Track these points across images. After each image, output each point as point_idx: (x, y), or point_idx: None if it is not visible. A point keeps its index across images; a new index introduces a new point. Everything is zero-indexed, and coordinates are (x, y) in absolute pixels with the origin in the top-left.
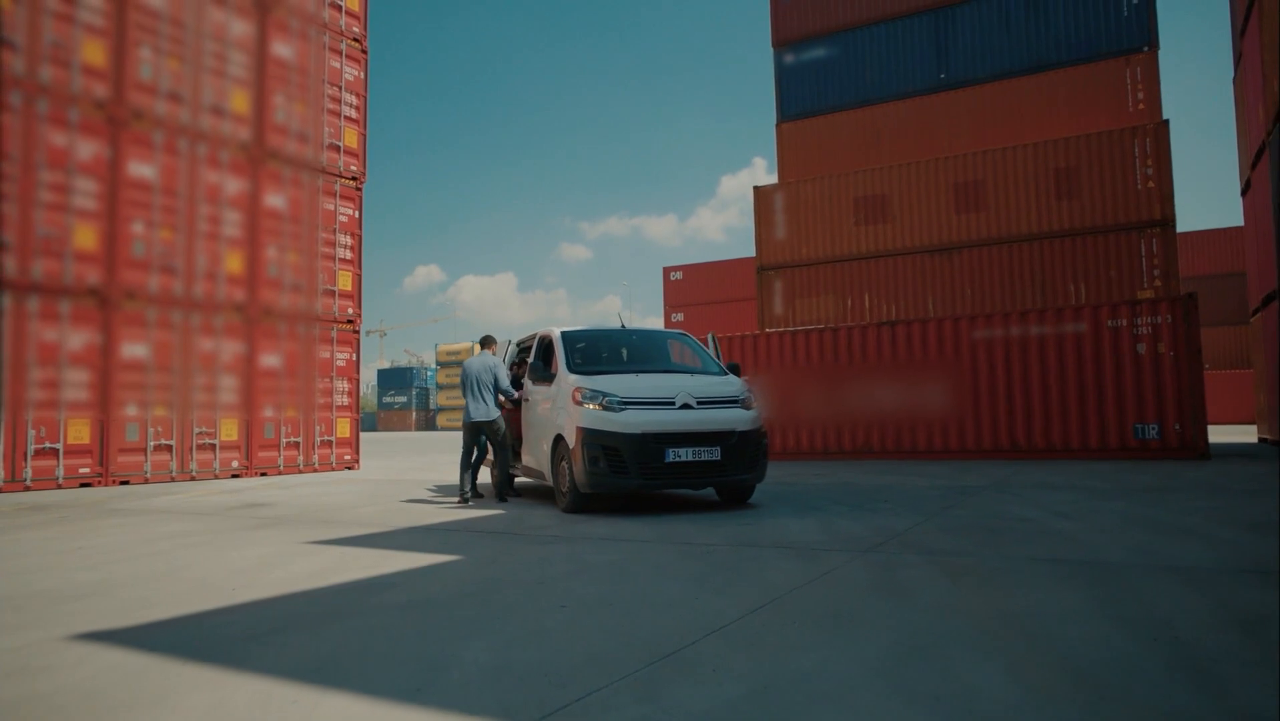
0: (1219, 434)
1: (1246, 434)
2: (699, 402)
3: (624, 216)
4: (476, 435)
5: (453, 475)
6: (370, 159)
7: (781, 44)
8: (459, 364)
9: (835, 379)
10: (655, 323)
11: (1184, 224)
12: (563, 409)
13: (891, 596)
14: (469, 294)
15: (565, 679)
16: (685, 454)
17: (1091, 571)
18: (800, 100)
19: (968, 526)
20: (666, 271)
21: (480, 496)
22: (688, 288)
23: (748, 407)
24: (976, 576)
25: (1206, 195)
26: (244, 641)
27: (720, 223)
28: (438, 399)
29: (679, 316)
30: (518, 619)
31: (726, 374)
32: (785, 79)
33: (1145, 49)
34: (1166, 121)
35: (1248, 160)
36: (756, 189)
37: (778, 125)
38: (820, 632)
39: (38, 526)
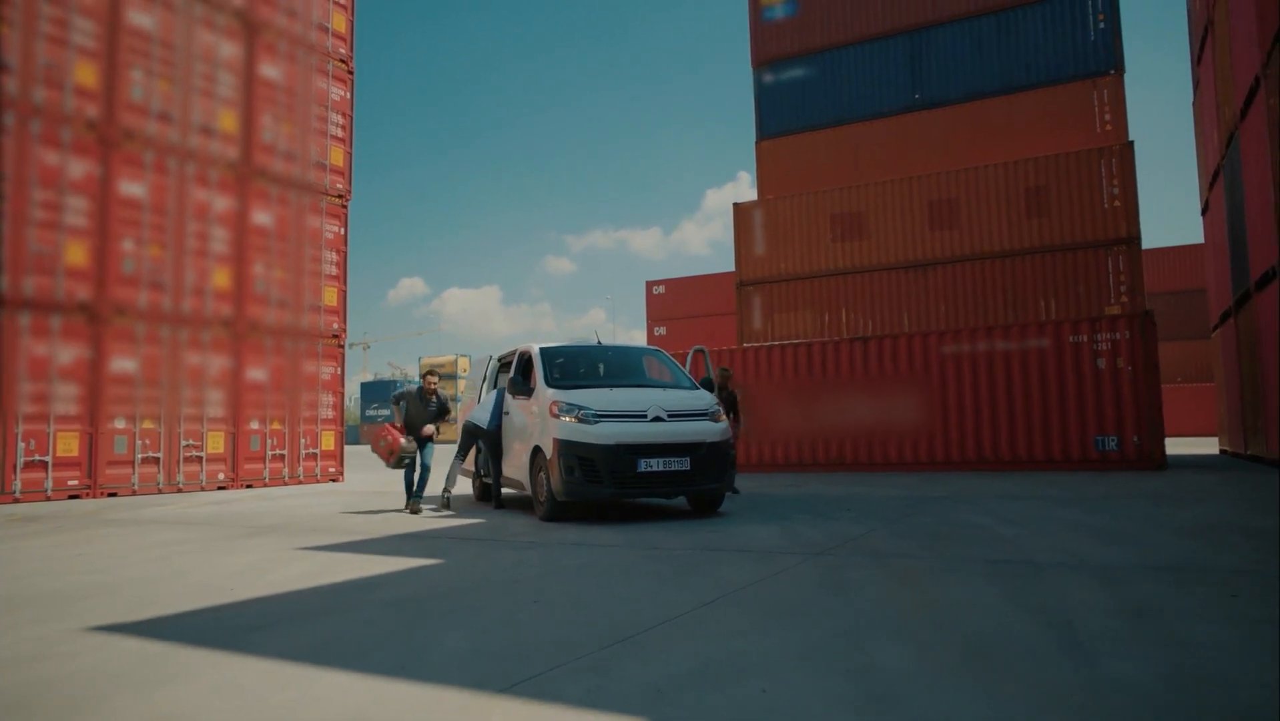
0: (1182, 446)
1: (1208, 445)
2: (669, 415)
3: (609, 229)
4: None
5: (434, 488)
6: (355, 172)
7: (761, 64)
8: (444, 377)
9: (810, 393)
10: (639, 335)
11: (1151, 240)
12: (541, 421)
13: (833, 592)
14: (454, 306)
15: (531, 658)
16: (656, 464)
17: (1017, 570)
18: (779, 119)
19: (918, 532)
20: (649, 285)
21: (451, 511)
22: (670, 301)
23: (716, 420)
24: (913, 575)
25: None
26: (246, 631)
27: (705, 236)
28: None
29: (661, 330)
30: (493, 612)
31: (697, 388)
32: (764, 98)
33: (1111, 72)
34: (1131, 143)
35: (1206, 181)
36: (736, 205)
37: (757, 143)
38: (762, 621)
39: (35, 536)
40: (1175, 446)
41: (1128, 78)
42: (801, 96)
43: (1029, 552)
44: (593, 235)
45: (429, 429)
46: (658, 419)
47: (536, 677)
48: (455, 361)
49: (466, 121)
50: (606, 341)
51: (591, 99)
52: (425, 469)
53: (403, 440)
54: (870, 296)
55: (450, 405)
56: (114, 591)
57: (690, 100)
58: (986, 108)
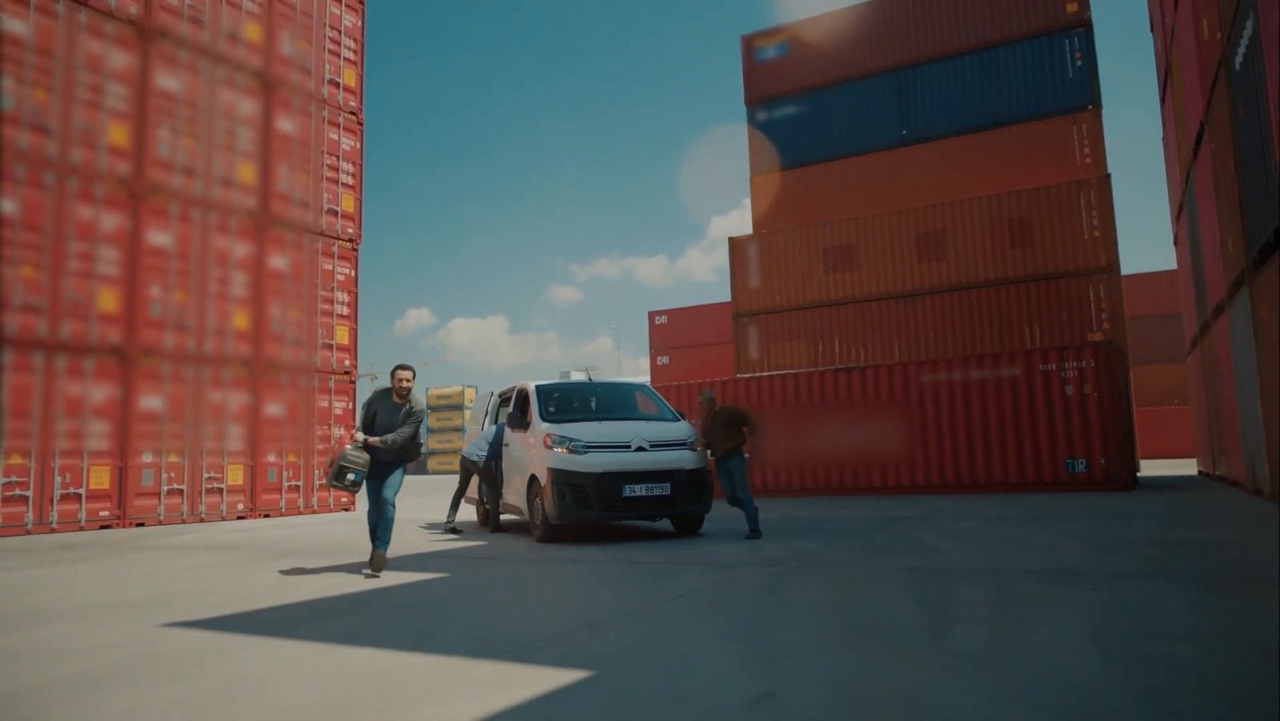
0: (1168, 467)
1: (1188, 467)
2: (652, 445)
3: (614, 258)
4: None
5: (439, 516)
6: (365, 165)
7: (754, 102)
8: (452, 407)
9: (798, 421)
10: (644, 364)
11: (1141, 265)
12: (536, 452)
13: (769, 593)
14: (460, 337)
15: (516, 639)
16: (640, 489)
17: (931, 575)
18: (772, 154)
19: (867, 548)
20: (651, 316)
21: (458, 532)
22: (672, 331)
23: (694, 449)
24: (841, 580)
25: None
26: (287, 624)
27: (710, 263)
28: (429, 443)
29: (664, 360)
30: (489, 610)
31: (679, 419)
32: (757, 135)
33: (1089, 108)
34: (1108, 176)
35: (1174, 214)
36: (731, 239)
37: (752, 178)
38: (701, 614)
39: (83, 561)
40: (1161, 468)
41: (1107, 110)
42: (794, 133)
43: (950, 561)
44: (599, 264)
45: (381, 440)
46: (641, 448)
47: (518, 650)
48: (462, 392)
49: (471, 152)
50: (611, 368)
51: (596, 128)
52: (386, 505)
53: (348, 445)
54: (862, 326)
55: (424, 414)
56: (170, 600)
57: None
58: (971, 143)
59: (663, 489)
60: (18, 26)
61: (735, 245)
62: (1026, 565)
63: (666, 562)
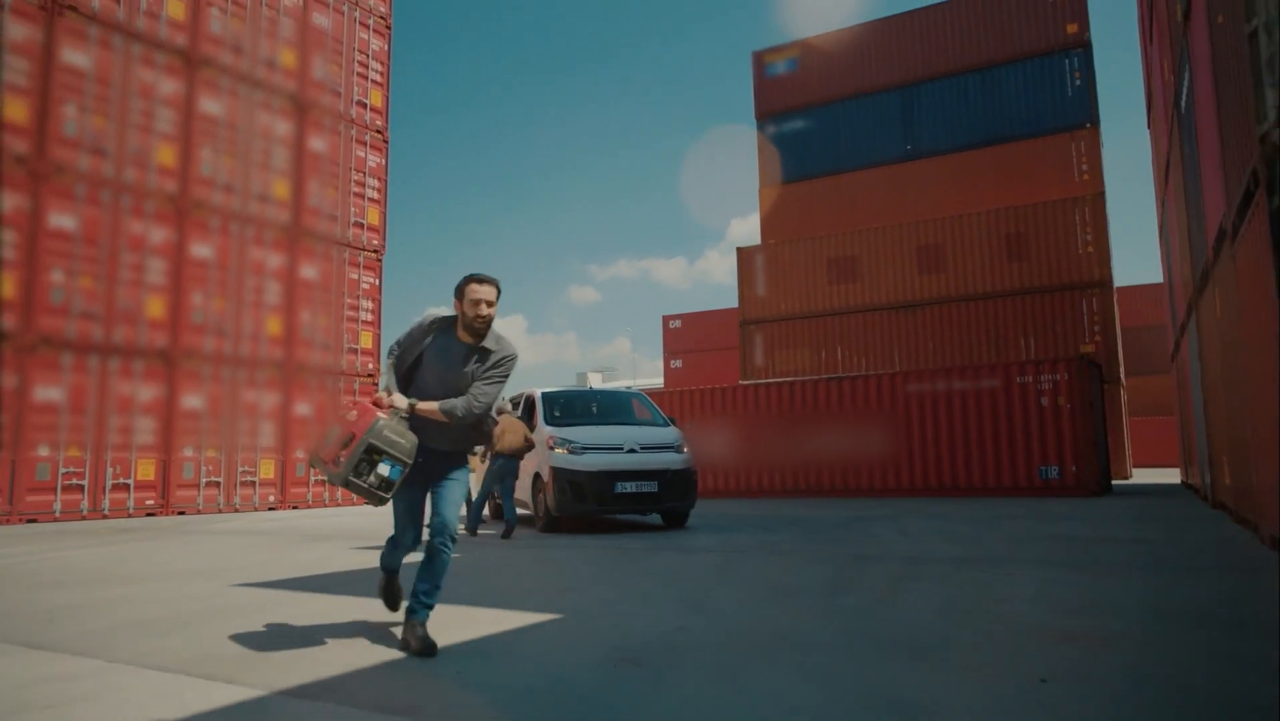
0: (1151, 475)
1: (1174, 475)
2: (642, 448)
3: (633, 259)
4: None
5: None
6: (390, 180)
7: (763, 116)
8: None
9: (793, 427)
10: (657, 366)
11: (1132, 277)
12: (540, 452)
13: (720, 569)
14: None
15: (509, 596)
16: (630, 486)
17: (861, 560)
18: (780, 167)
19: (822, 539)
20: (666, 320)
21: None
22: (686, 335)
23: (680, 451)
24: (785, 562)
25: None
26: (330, 586)
27: (729, 266)
28: None
29: (678, 363)
30: (491, 578)
31: (669, 425)
32: (766, 148)
33: (1088, 125)
34: (1102, 193)
35: (1158, 233)
36: (740, 250)
37: (760, 189)
38: (659, 583)
39: (140, 541)
40: (1150, 476)
41: (1109, 124)
42: (801, 146)
43: (886, 550)
44: (617, 264)
45: (442, 409)
46: (632, 450)
47: (510, 602)
48: None
49: (493, 152)
50: (628, 370)
51: (616, 129)
52: (440, 534)
53: (380, 416)
54: (864, 335)
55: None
56: (231, 570)
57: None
58: (973, 158)
59: (651, 486)
60: (80, 59)
61: (743, 255)
62: (946, 554)
63: (646, 549)
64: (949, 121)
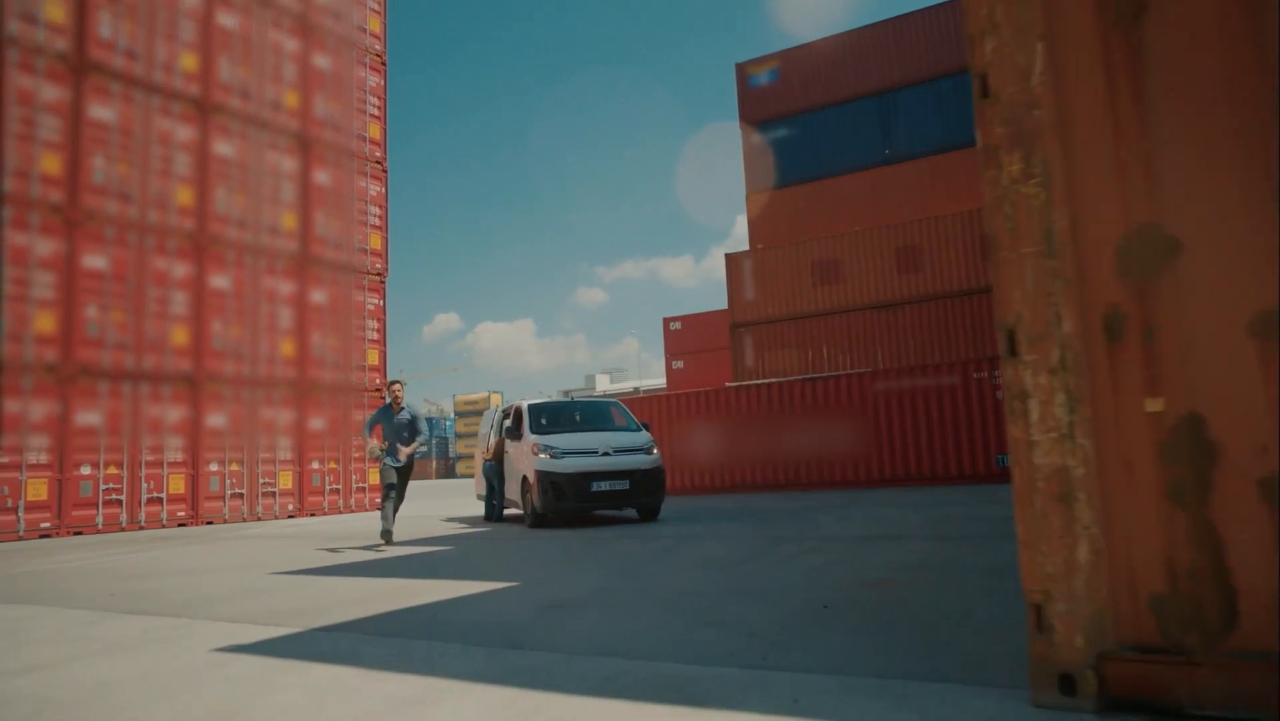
0: None
1: None
2: (615, 451)
3: (640, 259)
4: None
5: (464, 511)
6: (389, 207)
7: (748, 124)
8: (477, 413)
9: (773, 425)
10: (659, 366)
11: None
12: (527, 457)
13: (664, 551)
14: (487, 341)
15: (486, 573)
16: (604, 485)
17: (786, 539)
18: (765, 174)
19: (769, 526)
20: (666, 322)
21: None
22: (686, 337)
23: (649, 453)
24: (722, 543)
25: None
26: (348, 571)
27: None
28: (456, 447)
29: (679, 364)
30: (475, 562)
31: (641, 430)
32: (751, 155)
33: None
34: None
35: None
36: (728, 255)
37: (747, 195)
38: (610, 561)
39: (184, 546)
40: None
41: None
42: (784, 154)
43: (809, 532)
44: (624, 265)
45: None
46: (606, 453)
47: (484, 577)
48: (488, 398)
49: (497, 157)
50: (635, 370)
51: (620, 129)
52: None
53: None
54: (848, 335)
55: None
56: (265, 564)
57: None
58: (949, 160)
59: (623, 484)
60: (105, 113)
61: (731, 261)
62: (863, 533)
63: (612, 538)
64: (925, 126)
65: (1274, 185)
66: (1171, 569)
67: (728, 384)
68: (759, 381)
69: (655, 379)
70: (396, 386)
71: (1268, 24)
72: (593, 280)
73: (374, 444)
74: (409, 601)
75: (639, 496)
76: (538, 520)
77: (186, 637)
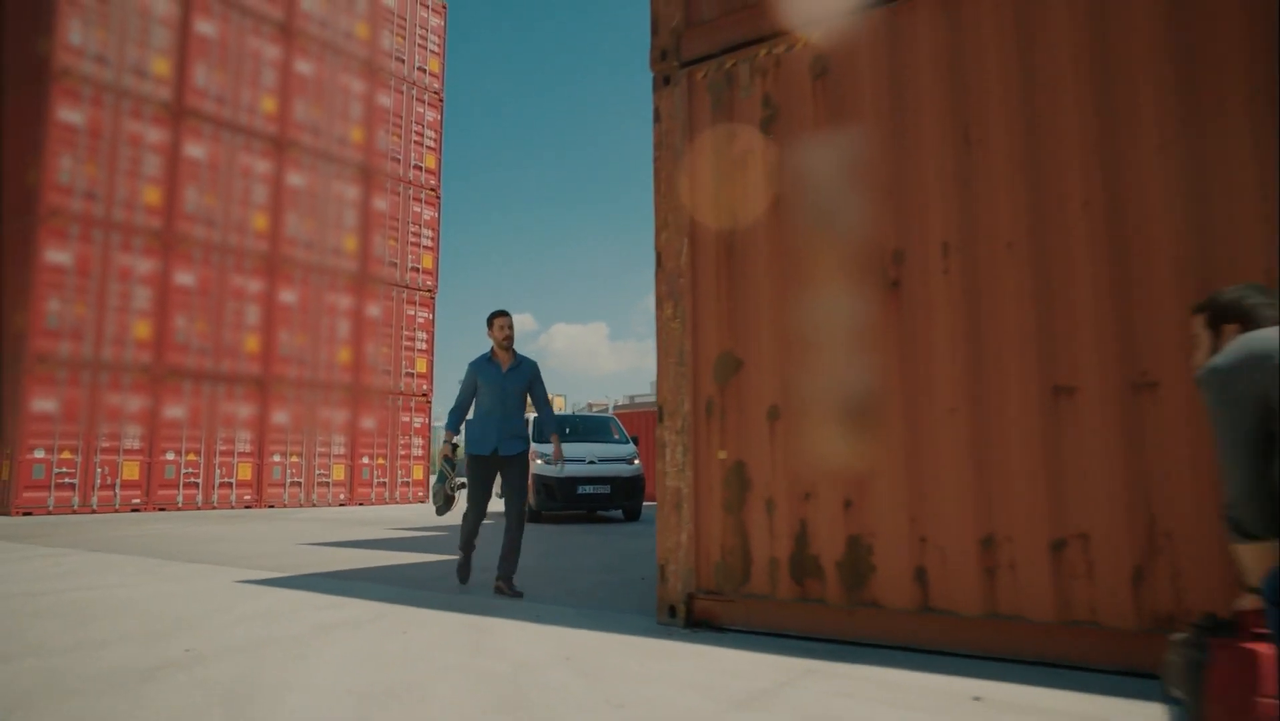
0: None
1: None
2: (600, 460)
3: None
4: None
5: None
6: (467, 208)
7: None
8: None
9: None
10: None
11: None
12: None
13: (617, 540)
14: (560, 342)
15: (490, 559)
16: (589, 489)
17: None
18: None
19: None
20: None
21: None
22: None
23: (630, 463)
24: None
25: None
26: (365, 545)
27: None
28: None
29: None
30: (453, 545)
31: (628, 443)
32: None
33: None
34: None
35: None
36: None
37: None
38: (563, 546)
39: (241, 523)
40: None
41: None
42: None
43: None
44: None
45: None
46: (592, 462)
47: (488, 558)
48: (552, 400)
49: (571, 156)
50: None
51: None
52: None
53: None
54: None
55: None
56: (298, 537)
57: None
58: None
59: (605, 489)
60: (197, 152)
61: None
62: None
63: (585, 532)
64: None
65: (786, 329)
66: (723, 547)
67: None
68: None
69: None
70: (503, 319)
71: (737, 274)
72: None
73: (451, 474)
74: (384, 563)
75: (619, 500)
76: (532, 517)
77: (219, 575)
